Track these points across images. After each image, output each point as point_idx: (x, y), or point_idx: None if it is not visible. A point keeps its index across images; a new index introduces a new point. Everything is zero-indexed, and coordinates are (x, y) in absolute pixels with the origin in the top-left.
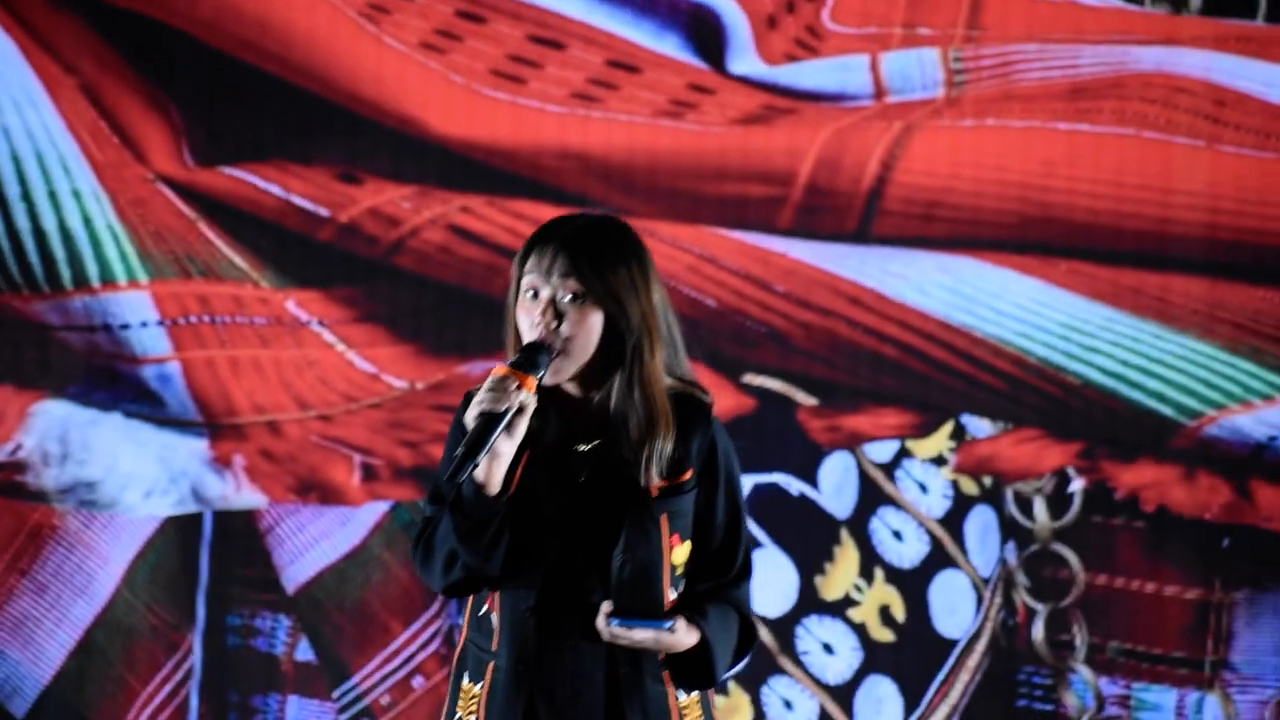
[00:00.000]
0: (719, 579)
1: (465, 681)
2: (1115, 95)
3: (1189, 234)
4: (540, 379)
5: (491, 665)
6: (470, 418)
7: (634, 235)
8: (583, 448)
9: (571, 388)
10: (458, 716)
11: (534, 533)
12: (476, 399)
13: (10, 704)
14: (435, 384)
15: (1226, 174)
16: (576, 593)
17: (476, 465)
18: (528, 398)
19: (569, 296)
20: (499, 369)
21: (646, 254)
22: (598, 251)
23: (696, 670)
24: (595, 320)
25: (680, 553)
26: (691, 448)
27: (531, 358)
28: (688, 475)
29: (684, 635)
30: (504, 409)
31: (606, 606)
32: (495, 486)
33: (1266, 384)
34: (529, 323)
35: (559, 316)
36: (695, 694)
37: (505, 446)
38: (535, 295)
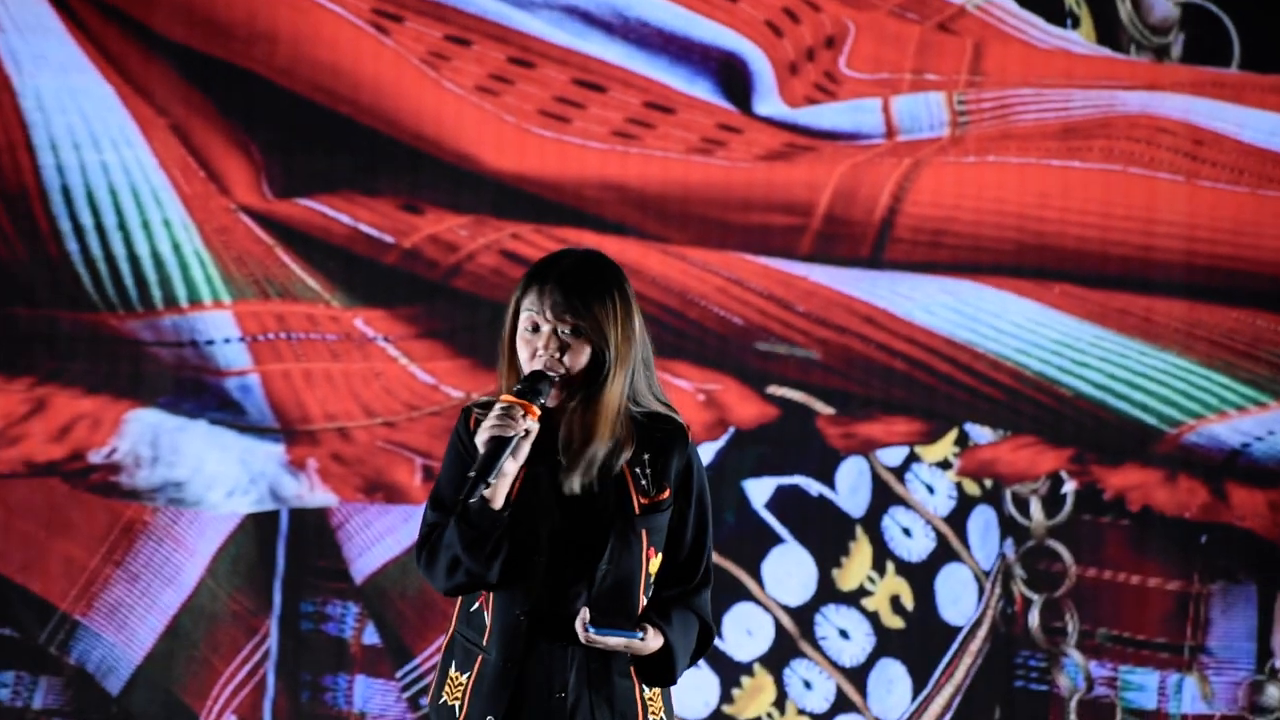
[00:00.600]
0: (683, 586)
1: (453, 670)
2: (1103, 135)
3: (1170, 260)
4: (543, 406)
5: (480, 659)
6: (481, 441)
7: (616, 270)
8: (564, 461)
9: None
10: (443, 700)
11: (529, 545)
12: (486, 424)
13: (105, 682)
14: (488, 394)
15: (1204, 206)
16: (563, 599)
17: (488, 485)
18: (532, 424)
19: (568, 330)
20: (506, 398)
21: (628, 286)
22: (588, 288)
23: (659, 669)
24: (586, 354)
25: (654, 563)
26: (671, 468)
27: (535, 386)
28: (665, 494)
29: (651, 641)
30: (512, 435)
31: (585, 615)
32: (499, 502)
33: (1240, 396)
34: (529, 353)
35: (562, 348)
36: (658, 688)
37: (510, 467)
38: (536, 329)
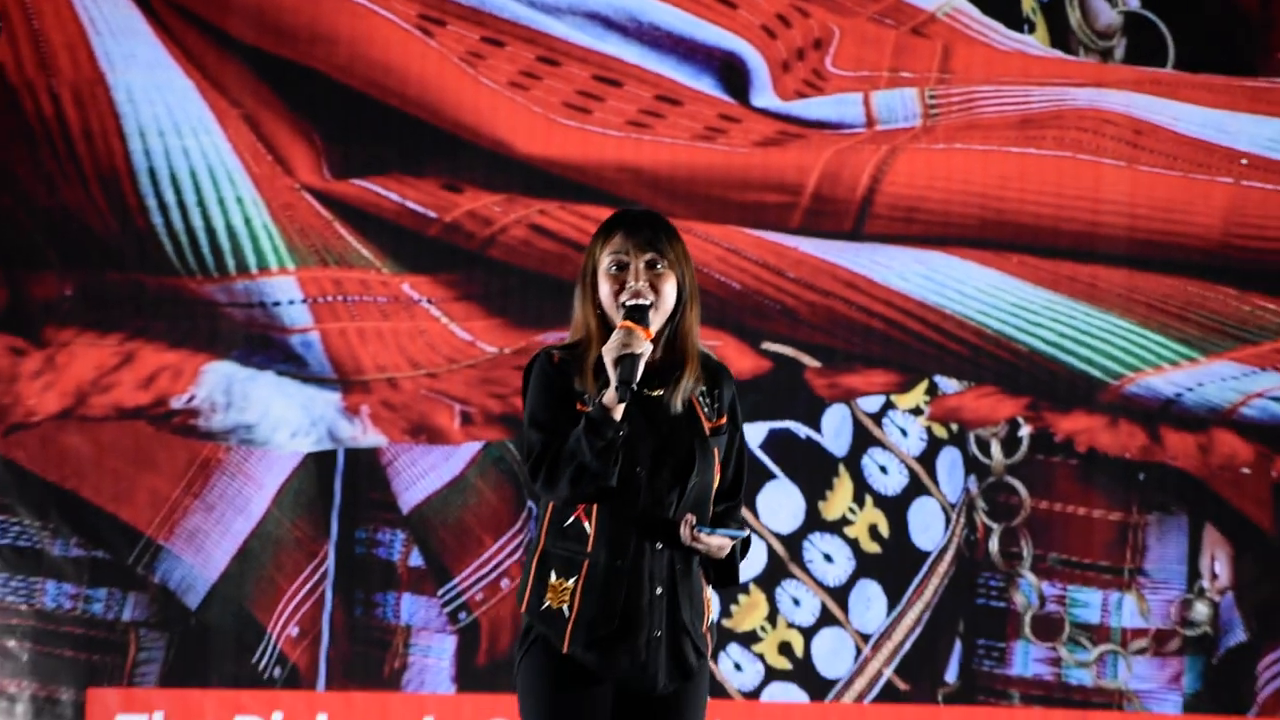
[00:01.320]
0: (730, 501)
1: (553, 579)
2: (1055, 126)
3: (1113, 235)
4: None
5: (586, 563)
6: (610, 359)
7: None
8: (651, 394)
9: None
10: (546, 604)
11: (631, 459)
12: (611, 346)
13: (185, 598)
14: (518, 349)
15: (1143, 188)
16: (660, 506)
17: (633, 390)
18: (647, 346)
19: (656, 262)
20: (624, 324)
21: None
22: (670, 233)
23: (727, 572)
24: (673, 283)
25: (718, 477)
26: (724, 399)
27: (643, 314)
28: (723, 420)
29: (727, 541)
30: (640, 351)
31: (691, 518)
32: (619, 414)
33: (1174, 352)
34: (613, 289)
35: (653, 281)
36: (711, 591)
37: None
38: (623, 267)
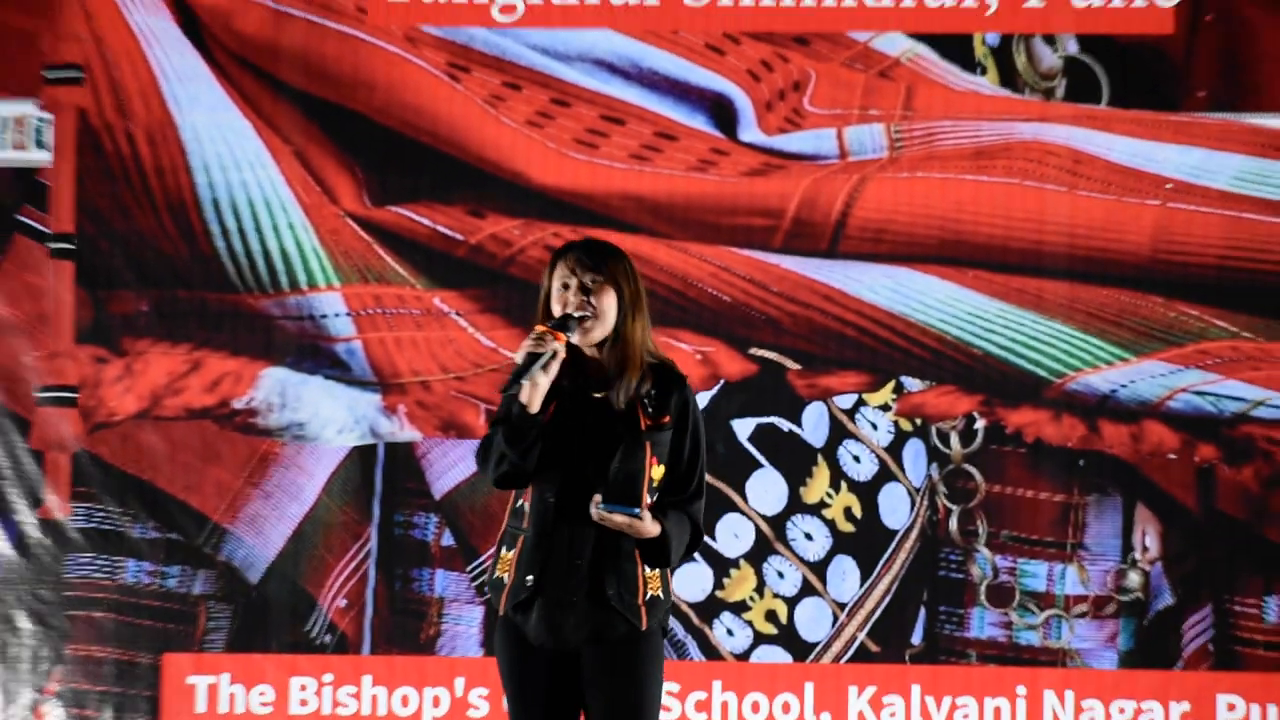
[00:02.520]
0: (680, 495)
1: (503, 551)
2: (1005, 156)
3: (1056, 251)
4: (569, 337)
5: (521, 538)
6: (517, 357)
7: (621, 249)
8: (596, 395)
9: (591, 352)
10: (496, 574)
11: (563, 446)
12: (522, 345)
13: (247, 574)
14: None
15: (1081, 211)
16: (585, 490)
17: (520, 387)
18: (559, 347)
19: (592, 280)
20: (539, 327)
21: (631, 261)
22: (606, 253)
23: (657, 552)
24: (611, 297)
25: (657, 472)
26: (669, 403)
27: (564, 322)
28: (666, 419)
29: (649, 525)
30: (541, 352)
31: (598, 497)
32: (534, 408)
33: (1109, 354)
34: (560, 307)
35: (587, 294)
36: (658, 570)
37: (541, 379)
38: (566, 287)
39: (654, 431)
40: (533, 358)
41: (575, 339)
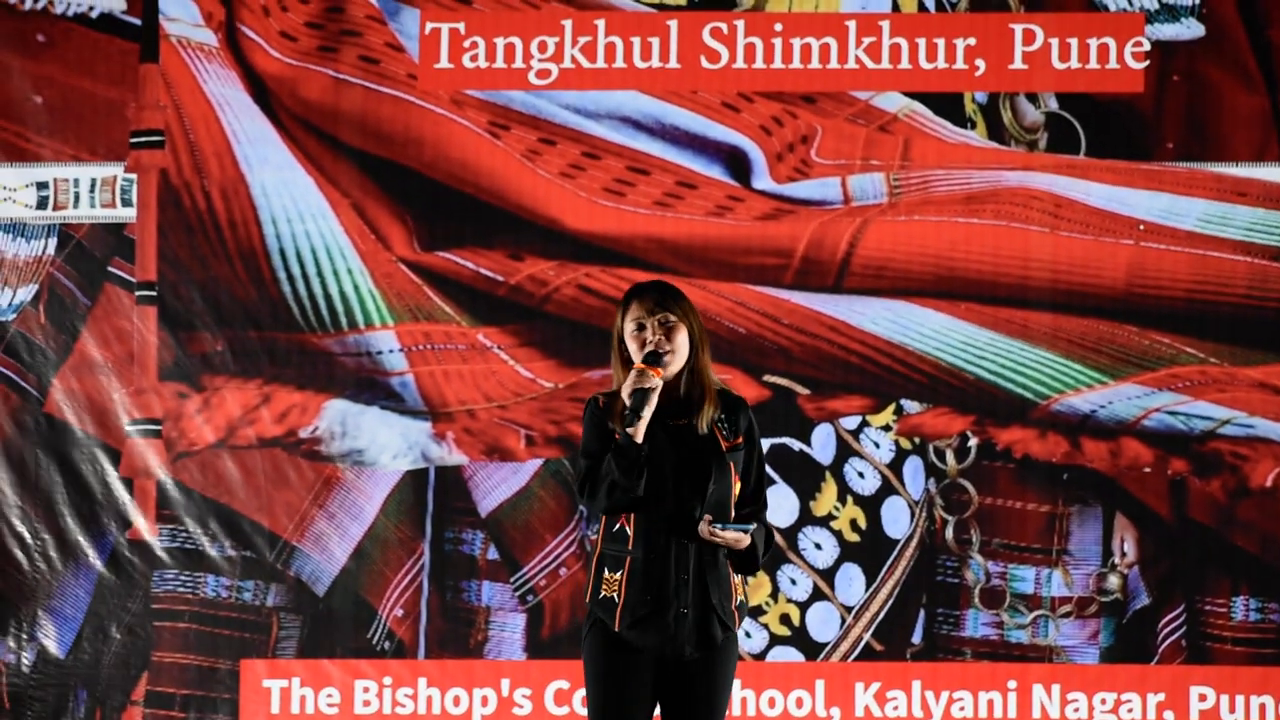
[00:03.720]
0: (754, 506)
1: (606, 574)
2: (993, 201)
3: (1040, 286)
4: (662, 371)
5: (629, 559)
6: (626, 395)
7: (683, 291)
8: (678, 423)
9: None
10: (602, 594)
11: (659, 474)
12: (627, 384)
13: (314, 588)
14: (570, 384)
15: (1062, 249)
16: (681, 510)
17: (640, 419)
18: (657, 382)
19: (665, 320)
20: (639, 365)
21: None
22: (674, 295)
23: (749, 561)
24: (684, 334)
25: (737, 488)
26: (740, 425)
27: (656, 358)
28: (740, 440)
29: (746, 537)
30: (649, 386)
31: (708, 518)
32: (640, 437)
33: (1090, 378)
34: (638, 346)
35: (667, 334)
36: (740, 576)
37: (646, 412)
38: (642, 327)
39: (733, 452)
40: (643, 393)
41: (664, 378)
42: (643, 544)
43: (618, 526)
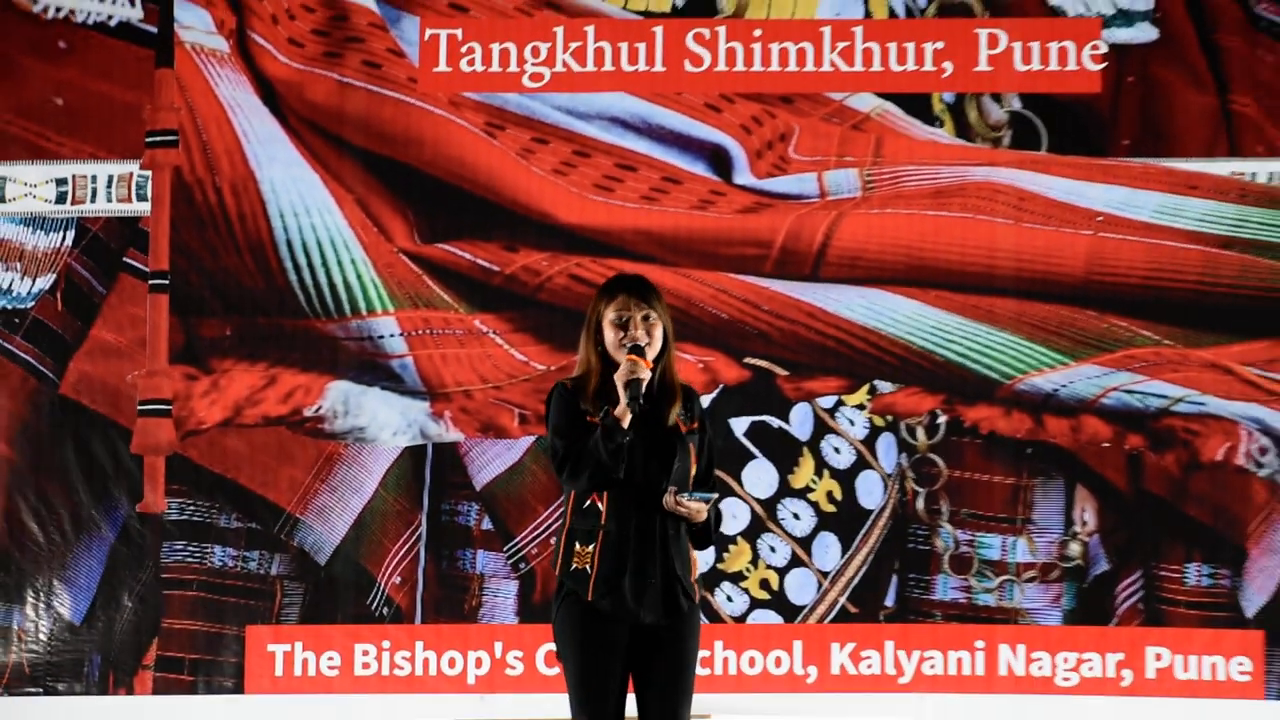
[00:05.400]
0: (705, 485)
1: (577, 546)
2: (960, 195)
3: (1005, 274)
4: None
5: (601, 533)
6: (621, 383)
7: (656, 285)
8: (643, 405)
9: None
10: (574, 566)
11: (631, 455)
12: (622, 373)
13: (316, 557)
14: (560, 367)
15: (1025, 240)
16: (648, 488)
17: (640, 404)
18: (648, 373)
19: (649, 317)
20: (631, 358)
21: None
22: (655, 293)
23: (702, 535)
24: (659, 330)
25: (695, 468)
26: (695, 411)
27: (642, 351)
28: (695, 425)
29: (707, 506)
30: (643, 376)
31: (673, 489)
32: (626, 423)
33: (1052, 359)
34: (617, 337)
35: (648, 330)
36: (696, 552)
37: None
38: (624, 320)
39: (691, 434)
40: (638, 383)
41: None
42: (615, 518)
43: (589, 503)
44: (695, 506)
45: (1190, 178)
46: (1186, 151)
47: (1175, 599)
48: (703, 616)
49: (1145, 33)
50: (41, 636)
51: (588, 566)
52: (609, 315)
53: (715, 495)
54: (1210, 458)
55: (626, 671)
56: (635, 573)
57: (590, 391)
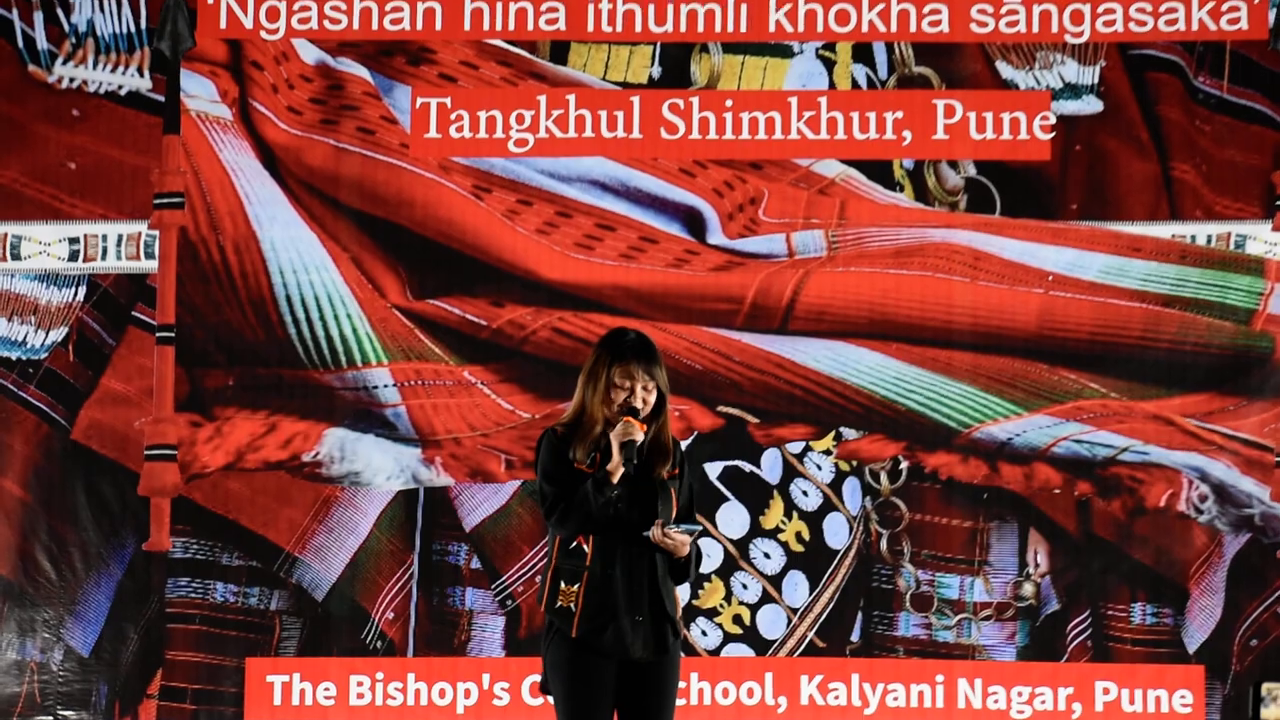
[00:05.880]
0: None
1: (563, 585)
2: (919, 255)
3: (962, 329)
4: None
5: (586, 573)
6: (617, 442)
7: (658, 350)
8: (635, 464)
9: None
10: (558, 604)
11: (620, 503)
12: (618, 433)
13: (313, 594)
14: (545, 415)
15: (981, 297)
16: (633, 531)
17: (635, 465)
18: (641, 434)
19: (649, 384)
20: (628, 420)
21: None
22: (656, 361)
23: (681, 571)
24: (656, 395)
25: (676, 508)
26: (676, 458)
27: (638, 415)
28: (677, 471)
29: (689, 538)
30: (637, 439)
31: (659, 524)
32: (616, 479)
33: (1006, 409)
34: (621, 397)
35: (646, 398)
36: (677, 589)
37: (622, 460)
38: (627, 385)
39: (673, 480)
40: (632, 444)
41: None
42: (600, 560)
43: (575, 544)
44: (680, 539)
45: (1134, 240)
46: (1130, 215)
47: (1122, 636)
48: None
49: (1091, 104)
50: (52, 667)
51: (572, 605)
52: (615, 377)
53: (699, 529)
54: (1154, 504)
55: (613, 706)
56: (626, 611)
57: (583, 438)
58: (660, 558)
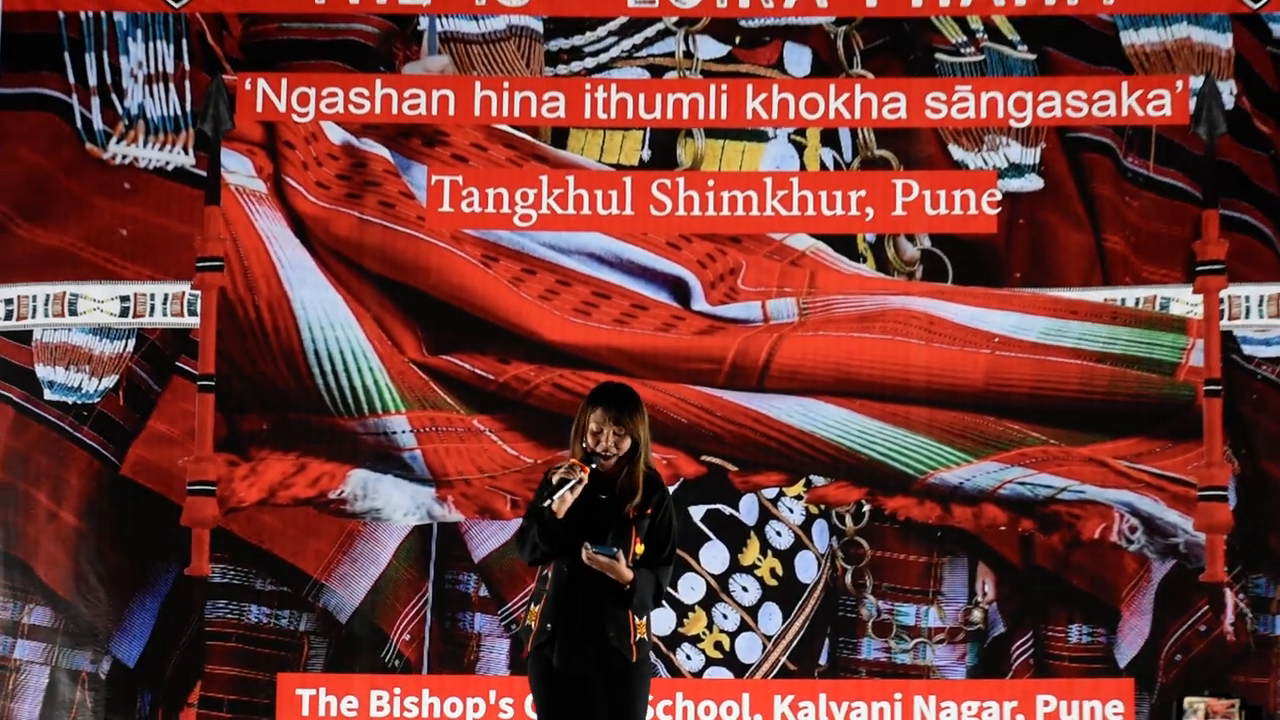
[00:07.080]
0: (652, 562)
1: (532, 606)
2: (880, 320)
3: (918, 386)
4: (592, 469)
5: (545, 596)
6: (555, 480)
7: (638, 395)
8: (603, 497)
9: (604, 467)
10: (527, 624)
11: (574, 533)
12: (557, 470)
13: (338, 617)
14: (546, 460)
15: (935, 357)
16: (577, 555)
17: (553, 503)
18: (583, 476)
19: (617, 432)
20: (572, 460)
21: (643, 404)
22: (628, 408)
23: (629, 598)
24: (629, 440)
25: (639, 548)
26: (653, 500)
27: (590, 458)
28: (649, 512)
29: (624, 569)
30: (570, 479)
31: (587, 543)
32: (560, 515)
33: (958, 458)
34: (594, 442)
35: (616, 441)
36: (644, 619)
37: (569, 496)
38: (598, 432)
39: (639, 519)
40: (564, 482)
41: (595, 466)
42: (554, 585)
43: (544, 571)
44: (605, 561)
45: (1071, 304)
46: (1068, 282)
47: (1060, 654)
48: (664, 671)
49: (1033, 182)
50: (101, 677)
51: (532, 623)
52: (590, 423)
53: (615, 550)
54: (1089, 536)
55: (583, 716)
56: (567, 631)
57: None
58: (609, 584)
